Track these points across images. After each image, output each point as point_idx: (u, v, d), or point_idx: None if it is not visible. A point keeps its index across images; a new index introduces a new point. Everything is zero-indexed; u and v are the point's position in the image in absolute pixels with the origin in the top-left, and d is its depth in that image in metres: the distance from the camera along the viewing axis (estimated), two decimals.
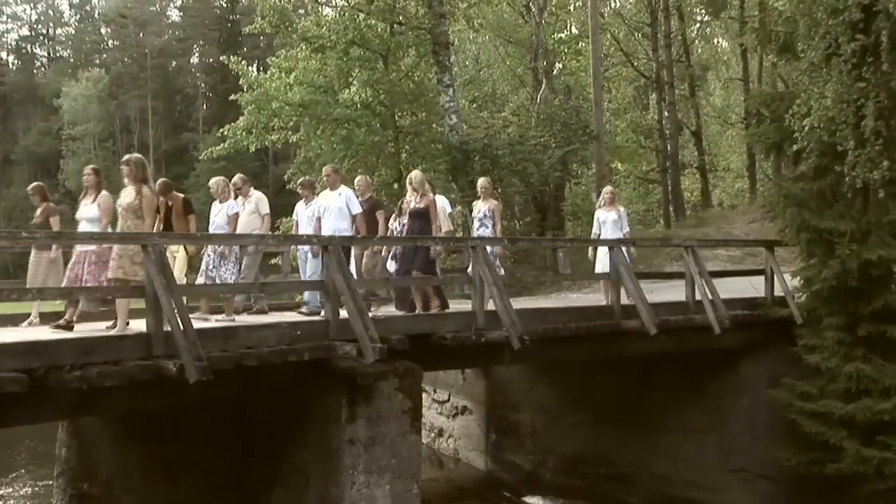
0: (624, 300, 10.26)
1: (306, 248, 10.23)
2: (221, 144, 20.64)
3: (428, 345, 8.70)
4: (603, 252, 11.19)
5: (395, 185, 19.37)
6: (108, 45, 76.43)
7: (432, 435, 15.40)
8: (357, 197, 10.34)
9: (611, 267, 10.37)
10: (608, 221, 11.59)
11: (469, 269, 9.68)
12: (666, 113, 27.82)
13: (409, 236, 10.06)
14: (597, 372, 12.49)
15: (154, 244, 7.00)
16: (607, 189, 12.17)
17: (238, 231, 9.68)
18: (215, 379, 6.64)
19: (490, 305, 9.05)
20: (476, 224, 11.05)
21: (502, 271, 10.56)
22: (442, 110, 20.00)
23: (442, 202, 11.14)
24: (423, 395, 11.16)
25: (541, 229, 20.38)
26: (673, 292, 11.83)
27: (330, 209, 9.92)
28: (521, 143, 20.36)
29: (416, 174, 10.41)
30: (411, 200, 10.21)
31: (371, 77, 19.43)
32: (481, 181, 11.34)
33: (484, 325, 8.97)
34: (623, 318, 10.16)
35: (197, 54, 75.23)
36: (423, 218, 10.04)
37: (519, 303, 10.98)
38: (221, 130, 20.74)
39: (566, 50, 27.81)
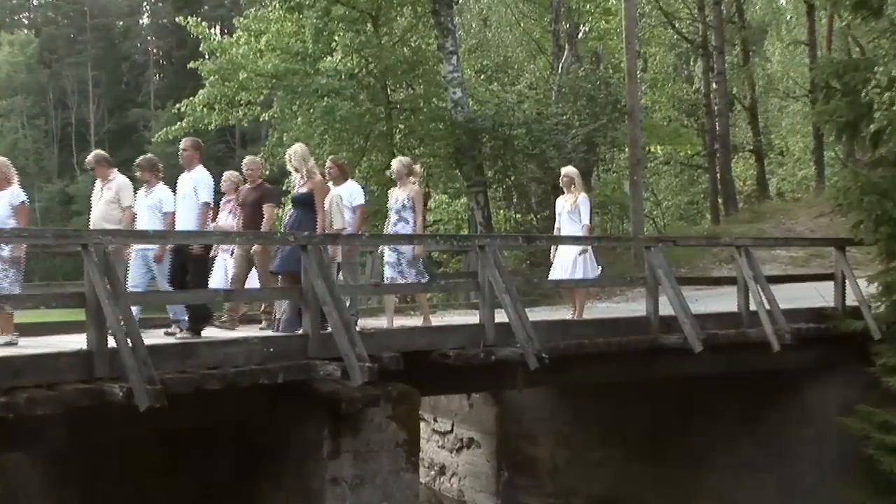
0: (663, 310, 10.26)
1: (144, 246, 9.28)
2: (178, 123, 20.69)
3: (427, 364, 8.71)
4: (566, 251, 11.04)
5: (388, 172, 19.36)
6: (37, 0, 76.54)
7: (432, 473, 15.42)
8: (247, 182, 10.03)
9: (647, 270, 10.37)
10: (563, 212, 11.30)
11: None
12: (714, 85, 27.83)
13: (403, 234, 10.03)
14: (630, 397, 12.50)
15: (96, 243, 7.02)
16: (564, 170, 11.62)
17: (93, 225, 9.12)
18: (170, 405, 6.64)
19: (501, 317, 9.03)
20: (392, 217, 10.25)
21: (425, 277, 10.28)
22: (444, 82, 20.03)
23: (349, 190, 10.19)
24: (422, 425, 11.16)
25: None
26: (722, 301, 11.84)
27: (178, 195, 9.23)
28: (539, 121, 20.41)
29: (296, 148, 9.41)
30: (294, 184, 9.43)
31: (357, 41, 19.45)
32: (395, 162, 10.65)
33: (494, 340, 8.97)
34: (662, 331, 10.15)
35: (147, 14, 75.40)
36: (305, 206, 9.11)
37: (536, 314, 10.99)
38: (178, 106, 20.81)
39: (593, 9, 27.83)
